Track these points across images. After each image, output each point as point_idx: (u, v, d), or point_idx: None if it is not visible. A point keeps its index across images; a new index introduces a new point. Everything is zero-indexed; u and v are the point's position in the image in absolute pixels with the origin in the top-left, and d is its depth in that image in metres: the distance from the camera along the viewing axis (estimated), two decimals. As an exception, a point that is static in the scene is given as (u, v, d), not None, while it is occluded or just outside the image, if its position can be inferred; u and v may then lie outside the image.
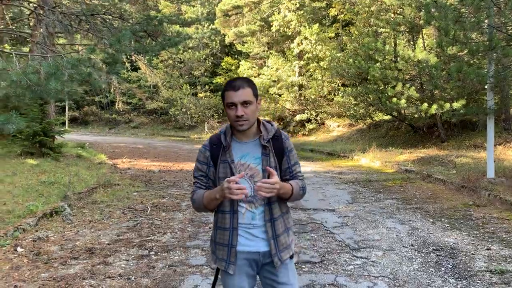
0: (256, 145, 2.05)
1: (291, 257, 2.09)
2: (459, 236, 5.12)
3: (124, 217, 6.34)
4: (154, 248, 4.83)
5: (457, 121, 13.43)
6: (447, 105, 11.39)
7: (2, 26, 13.49)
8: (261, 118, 2.12)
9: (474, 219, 5.93)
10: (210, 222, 5.91)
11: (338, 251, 4.65)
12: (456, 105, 11.15)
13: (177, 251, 4.69)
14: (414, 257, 4.42)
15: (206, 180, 2.10)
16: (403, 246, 4.77)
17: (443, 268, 4.09)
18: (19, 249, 4.84)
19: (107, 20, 8.64)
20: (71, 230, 5.62)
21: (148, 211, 6.72)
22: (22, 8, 15.10)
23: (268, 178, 1.91)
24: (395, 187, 8.53)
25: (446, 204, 6.89)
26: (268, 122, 2.14)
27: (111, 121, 37.03)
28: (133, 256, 4.55)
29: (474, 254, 4.46)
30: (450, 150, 12.48)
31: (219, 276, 2.15)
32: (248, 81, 2.01)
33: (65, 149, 13.85)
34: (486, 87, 8.37)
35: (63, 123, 34.96)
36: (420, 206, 6.78)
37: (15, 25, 15.81)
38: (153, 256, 4.56)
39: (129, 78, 34.11)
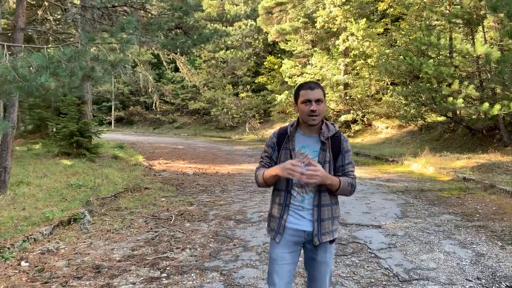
0: (316, 140, 2.35)
1: (331, 241, 2.35)
2: (539, 268, 4.11)
3: (145, 227, 5.81)
4: (168, 268, 4.21)
5: (523, 123, 11.95)
6: (513, 105, 10.08)
7: (48, 27, 13.62)
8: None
9: (555, 244, 4.85)
10: (235, 238, 5.24)
11: (383, 282, 3.82)
12: (524, 105, 9.84)
13: (192, 274, 4.04)
14: (482, 295, 3.51)
15: (270, 160, 2.43)
16: (467, 280, 3.85)
17: (523, 316, 3.16)
18: (23, 263, 4.39)
19: (129, 12, 8.18)
20: (84, 242, 5.14)
21: (172, 220, 6.16)
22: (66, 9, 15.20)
23: None
24: (452, 199, 7.45)
25: (517, 222, 5.80)
26: (332, 123, 2.42)
27: (156, 121, 37.52)
28: (142, 279, 3.95)
29: (563, 296, 3.48)
30: (515, 155, 11.06)
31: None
32: (319, 84, 2.36)
33: (103, 149, 13.72)
34: None
35: (109, 123, 35.87)
36: (484, 224, 5.74)
37: (60, 26, 15.96)
38: (164, 279, 3.94)
39: (173, 78, 34.41)
